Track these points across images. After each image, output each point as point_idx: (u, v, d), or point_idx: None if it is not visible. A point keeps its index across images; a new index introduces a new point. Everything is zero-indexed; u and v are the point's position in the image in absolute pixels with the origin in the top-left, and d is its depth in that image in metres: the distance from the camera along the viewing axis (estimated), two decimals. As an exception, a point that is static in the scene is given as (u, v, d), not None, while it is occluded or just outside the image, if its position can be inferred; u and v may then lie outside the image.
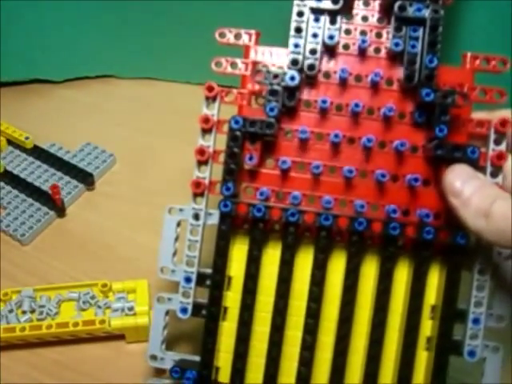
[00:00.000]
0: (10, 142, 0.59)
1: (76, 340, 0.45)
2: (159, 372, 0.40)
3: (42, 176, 0.57)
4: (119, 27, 0.59)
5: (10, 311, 0.45)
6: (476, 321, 0.34)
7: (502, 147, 0.34)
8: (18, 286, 0.47)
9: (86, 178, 0.57)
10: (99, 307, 0.45)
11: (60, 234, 0.53)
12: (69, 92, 0.65)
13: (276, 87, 0.34)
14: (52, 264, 0.51)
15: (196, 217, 0.35)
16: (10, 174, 0.57)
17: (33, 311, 0.45)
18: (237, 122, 0.34)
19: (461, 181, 0.32)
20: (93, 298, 0.46)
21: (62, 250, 0.52)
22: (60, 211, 0.54)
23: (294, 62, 0.34)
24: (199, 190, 0.35)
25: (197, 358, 0.36)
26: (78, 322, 0.44)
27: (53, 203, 0.54)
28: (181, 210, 0.36)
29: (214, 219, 0.35)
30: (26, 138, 0.58)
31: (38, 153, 0.58)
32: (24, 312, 0.45)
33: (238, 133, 0.34)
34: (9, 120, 0.60)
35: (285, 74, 0.34)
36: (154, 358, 0.37)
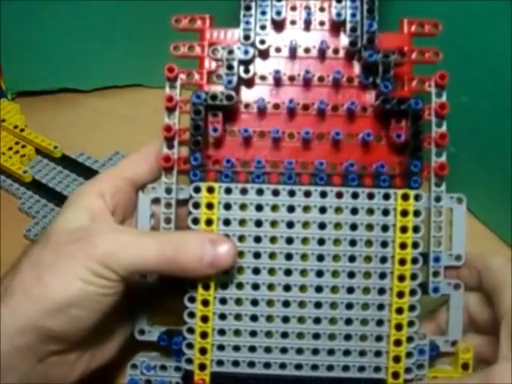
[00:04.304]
0: (38, 151, 0.59)
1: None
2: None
3: (71, 185, 0.57)
4: (148, 36, 0.60)
5: None
6: (437, 259, 0.37)
7: (443, 99, 0.37)
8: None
9: None
10: None
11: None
12: (97, 101, 0.65)
13: (232, 61, 0.37)
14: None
15: (168, 191, 0.38)
16: (38, 183, 0.57)
17: None
18: (198, 97, 0.37)
19: None
20: None
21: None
22: None
23: (247, 38, 0.38)
24: (169, 164, 0.37)
25: (182, 328, 0.38)
26: None
27: None
28: (153, 188, 0.38)
29: (185, 194, 0.38)
30: (55, 147, 0.58)
31: (67, 162, 0.59)
32: None
33: (200, 106, 0.37)
34: (37, 129, 0.60)
35: (239, 48, 0.37)
36: (141, 332, 0.38)
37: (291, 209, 0.37)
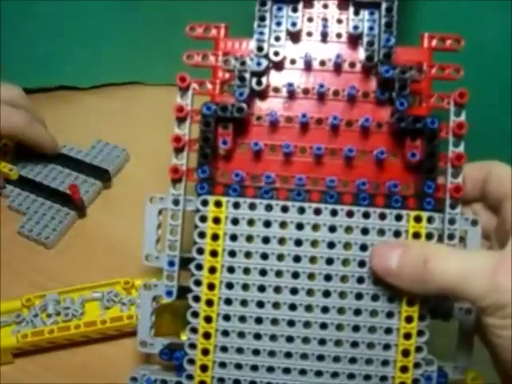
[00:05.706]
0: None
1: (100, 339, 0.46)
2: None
3: (58, 178, 0.57)
4: (145, 33, 0.59)
5: (35, 316, 0.45)
6: None
7: (462, 118, 0.36)
8: (40, 291, 0.47)
9: (102, 175, 0.57)
10: (124, 304, 0.46)
11: (82, 233, 0.54)
12: (94, 99, 0.64)
13: (244, 73, 0.36)
14: (73, 265, 0.51)
15: (175, 202, 0.37)
16: (24, 179, 0.57)
17: (58, 314, 0.46)
18: (208, 108, 0.36)
19: (384, 261, 0.34)
20: (116, 295, 0.46)
21: (82, 250, 0.52)
22: (81, 210, 0.54)
23: (260, 49, 0.37)
24: (177, 175, 0.37)
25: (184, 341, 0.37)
26: (105, 319, 0.44)
27: (72, 203, 0.54)
28: (161, 198, 0.38)
29: (193, 205, 0.37)
30: None
31: (52, 155, 0.58)
32: (49, 315, 0.45)
33: (210, 118, 0.36)
34: None
35: (251, 59, 0.36)
36: (143, 344, 0.38)
37: (300, 226, 0.36)
